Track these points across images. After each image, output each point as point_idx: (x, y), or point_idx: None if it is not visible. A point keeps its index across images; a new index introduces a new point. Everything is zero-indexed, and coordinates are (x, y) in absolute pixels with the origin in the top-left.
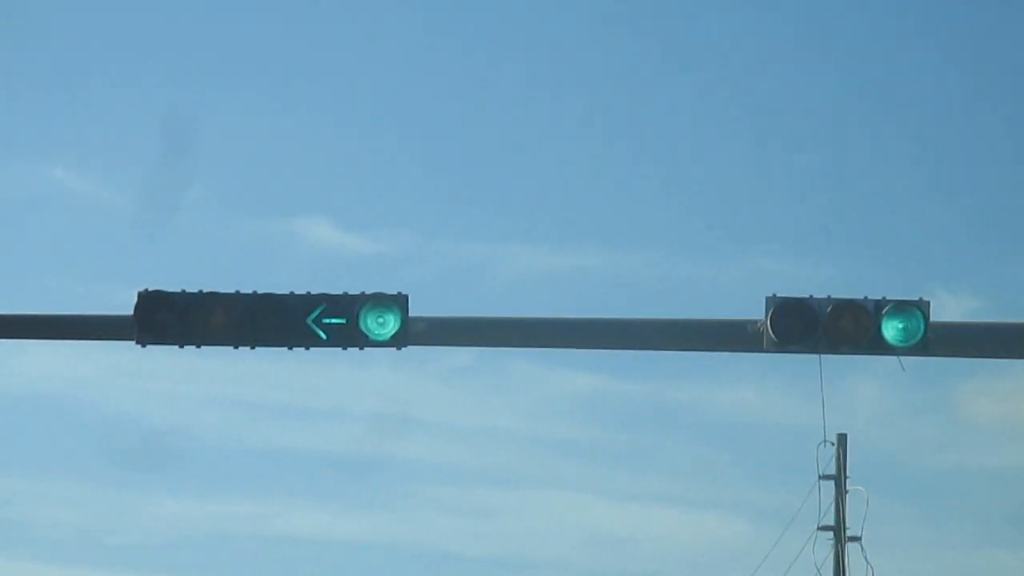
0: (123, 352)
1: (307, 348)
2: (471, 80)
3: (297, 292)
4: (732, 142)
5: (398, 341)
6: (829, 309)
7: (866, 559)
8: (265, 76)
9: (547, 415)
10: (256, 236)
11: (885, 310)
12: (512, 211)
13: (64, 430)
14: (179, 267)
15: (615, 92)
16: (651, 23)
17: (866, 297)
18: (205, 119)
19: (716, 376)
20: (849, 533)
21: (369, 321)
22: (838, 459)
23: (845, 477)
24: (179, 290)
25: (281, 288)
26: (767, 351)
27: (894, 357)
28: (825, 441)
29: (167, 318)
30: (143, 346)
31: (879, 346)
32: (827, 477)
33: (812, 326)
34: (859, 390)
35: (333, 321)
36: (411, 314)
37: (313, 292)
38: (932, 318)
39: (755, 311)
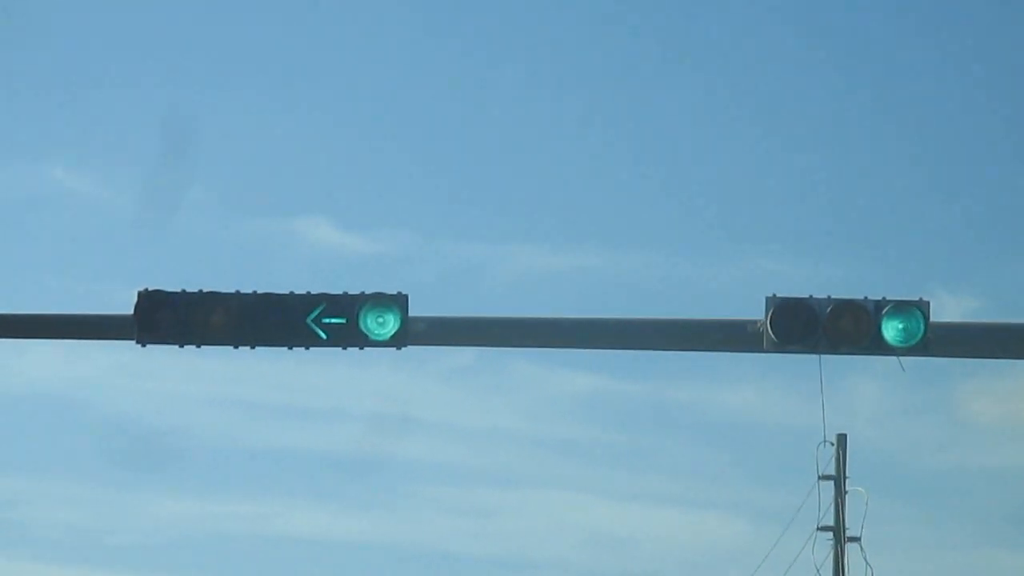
0: (123, 352)
1: (307, 348)
2: (471, 80)
3: (297, 292)
4: (732, 142)
5: (398, 341)
6: (829, 309)
7: (866, 559)
8: (265, 76)
9: (547, 415)
10: (256, 236)
11: (885, 310)
12: (512, 211)
13: (64, 430)
14: (179, 267)
15: (615, 92)
16: (651, 23)
17: (866, 297)
18: (205, 119)
19: (716, 376)
20: (849, 533)
21: (369, 321)
22: (838, 459)
23: (845, 477)
24: (179, 290)
25: (281, 288)
26: (767, 351)
27: (894, 357)
28: (825, 441)
29: (167, 318)
30: (143, 346)
31: (879, 346)
32: (827, 477)
33: (812, 326)
34: (859, 390)
35: (333, 321)
36: (411, 314)
37: (313, 292)
38: (932, 318)
39: (755, 311)
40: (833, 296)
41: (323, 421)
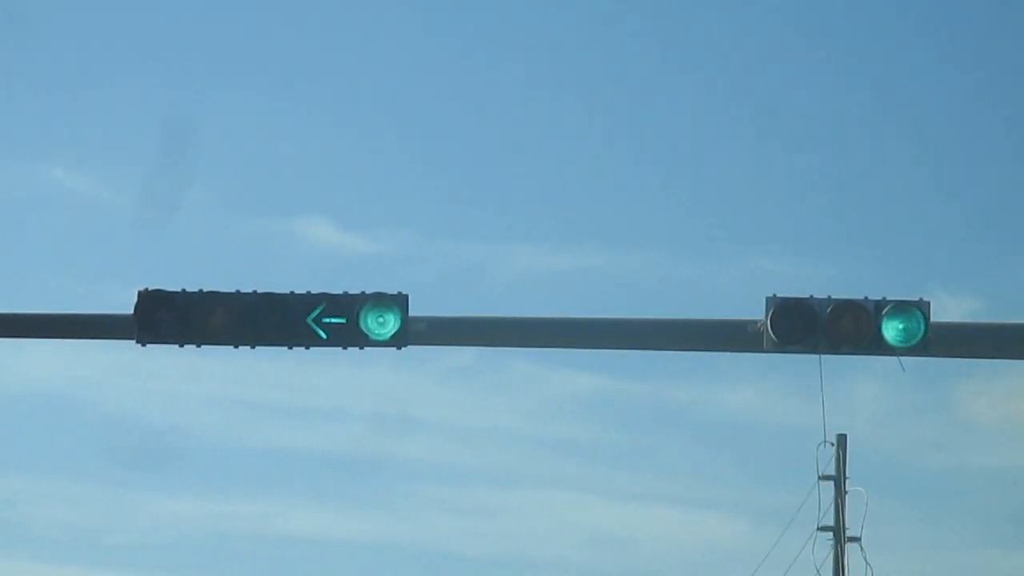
0: (123, 352)
1: (307, 348)
2: (471, 80)
3: (297, 292)
4: (732, 142)
5: (398, 341)
6: (829, 309)
7: (865, 559)
8: (265, 76)
9: (547, 415)
10: (256, 236)
11: (885, 310)
12: (512, 211)
13: (64, 430)
14: (179, 267)
15: (615, 92)
16: (651, 23)
17: (866, 297)
18: (205, 119)
19: (716, 376)
20: (849, 533)
21: (369, 321)
22: (838, 459)
23: (845, 477)
24: (179, 290)
25: (281, 288)
26: (767, 351)
27: (894, 357)
28: (825, 441)
29: (167, 317)
30: (143, 345)
31: (879, 346)
32: (827, 477)
33: (812, 326)
34: (859, 390)
35: (333, 321)
36: (411, 314)
37: (313, 292)
38: (932, 318)
39: (755, 311)
40: (833, 296)
41: (323, 421)
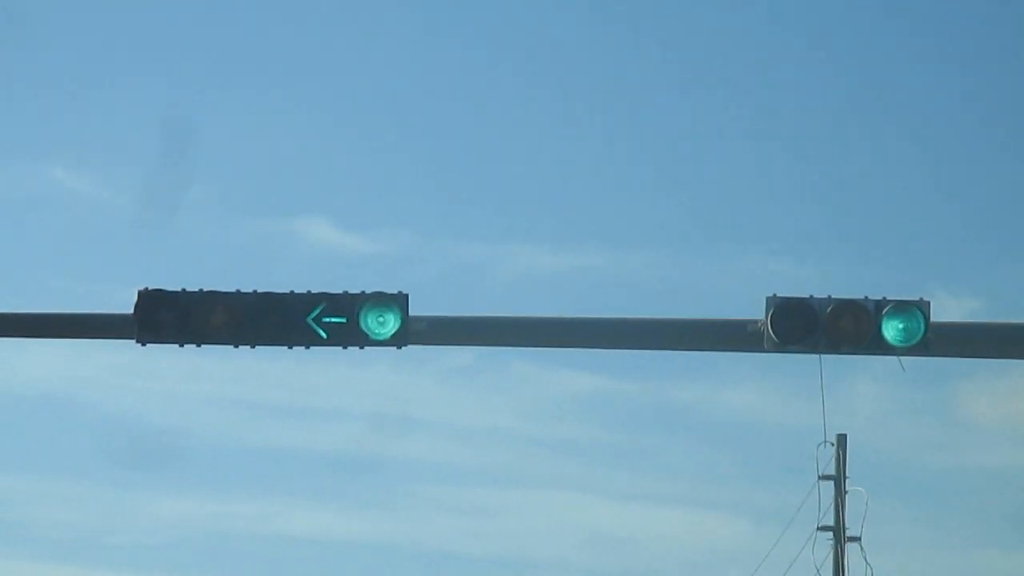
0: (123, 351)
1: (307, 347)
2: (471, 80)
3: (297, 291)
4: (732, 142)
5: (398, 340)
6: (829, 309)
7: (865, 559)
8: (265, 76)
9: (547, 415)
10: (256, 236)
11: (885, 310)
12: (512, 211)
13: (64, 430)
14: (179, 267)
15: (615, 92)
16: (651, 23)
17: (866, 297)
18: (205, 119)
19: (716, 376)
20: (849, 533)
21: (369, 320)
22: (838, 459)
23: (845, 477)
24: (179, 289)
25: (281, 288)
26: (767, 351)
27: (894, 357)
28: (825, 441)
29: (167, 317)
30: (143, 345)
31: (879, 346)
32: (827, 477)
33: (812, 326)
34: (859, 390)
35: (333, 320)
36: (411, 314)
37: (313, 291)
38: (932, 318)
39: (755, 311)
40: (833, 296)
41: (323, 421)
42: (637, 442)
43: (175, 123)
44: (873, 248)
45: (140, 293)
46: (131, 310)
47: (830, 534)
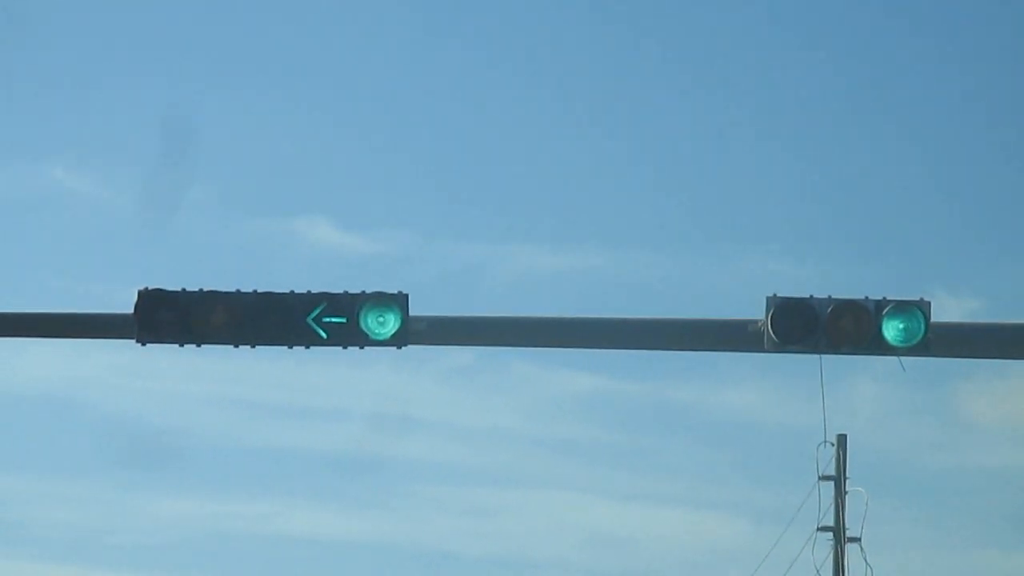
0: (123, 351)
1: (307, 347)
2: (471, 80)
3: (297, 291)
4: (732, 142)
5: (398, 340)
6: (829, 309)
7: (865, 560)
8: (265, 76)
9: (547, 415)
10: (256, 236)
11: (886, 310)
12: (512, 211)
13: (64, 430)
14: (179, 267)
15: (615, 92)
16: (651, 23)
17: (867, 297)
18: (205, 119)
19: (716, 376)
20: (849, 534)
21: (369, 320)
22: (838, 459)
23: (845, 477)
24: (179, 289)
25: (281, 288)
26: (767, 351)
27: (894, 357)
28: (825, 441)
29: (167, 317)
30: (143, 345)
31: (879, 346)
32: (827, 478)
33: (812, 326)
34: (859, 390)
35: (333, 320)
36: (411, 314)
37: (313, 291)
38: (932, 318)
39: (755, 311)
40: (833, 296)
41: (323, 421)
42: (637, 442)
43: (175, 123)
44: (873, 248)
45: (140, 293)
46: (131, 310)
47: (830, 534)
